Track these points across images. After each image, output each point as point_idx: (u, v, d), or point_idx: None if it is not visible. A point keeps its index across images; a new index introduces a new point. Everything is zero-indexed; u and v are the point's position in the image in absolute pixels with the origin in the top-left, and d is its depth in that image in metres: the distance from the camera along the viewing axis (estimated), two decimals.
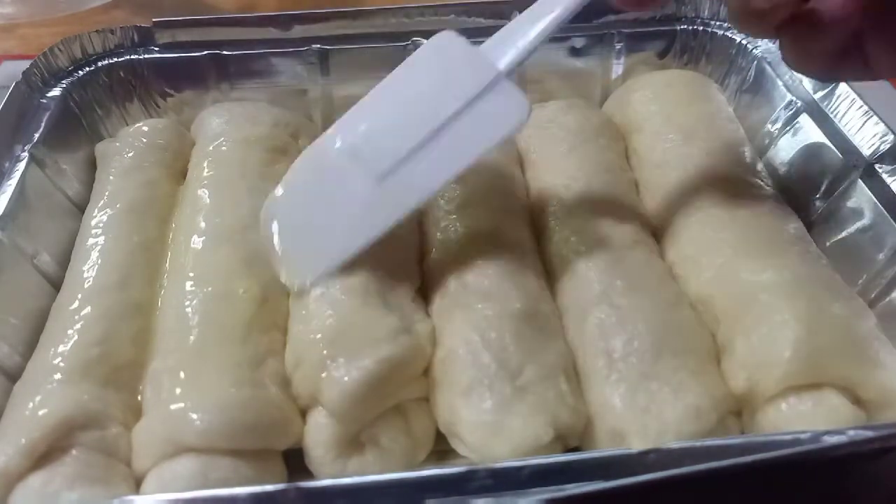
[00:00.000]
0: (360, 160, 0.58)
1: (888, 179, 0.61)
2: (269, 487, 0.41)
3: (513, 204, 0.66)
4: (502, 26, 0.78)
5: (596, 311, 0.56)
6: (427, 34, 0.77)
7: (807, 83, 0.71)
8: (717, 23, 0.81)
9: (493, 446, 0.49)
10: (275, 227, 0.60)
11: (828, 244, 0.62)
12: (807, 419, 0.49)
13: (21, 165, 0.65)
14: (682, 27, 0.81)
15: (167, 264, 0.62)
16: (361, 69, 0.78)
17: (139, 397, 0.54)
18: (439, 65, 0.60)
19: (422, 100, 0.58)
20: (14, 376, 0.55)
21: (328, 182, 0.59)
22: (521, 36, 0.58)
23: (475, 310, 0.55)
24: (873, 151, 0.63)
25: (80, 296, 0.57)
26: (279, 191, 0.61)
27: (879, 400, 0.50)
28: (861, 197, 0.61)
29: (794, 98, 0.71)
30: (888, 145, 0.62)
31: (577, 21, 0.79)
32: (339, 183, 0.58)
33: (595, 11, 0.80)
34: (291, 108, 0.78)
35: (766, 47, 0.77)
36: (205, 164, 0.68)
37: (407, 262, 0.61)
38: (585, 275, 0.59)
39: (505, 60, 0.57)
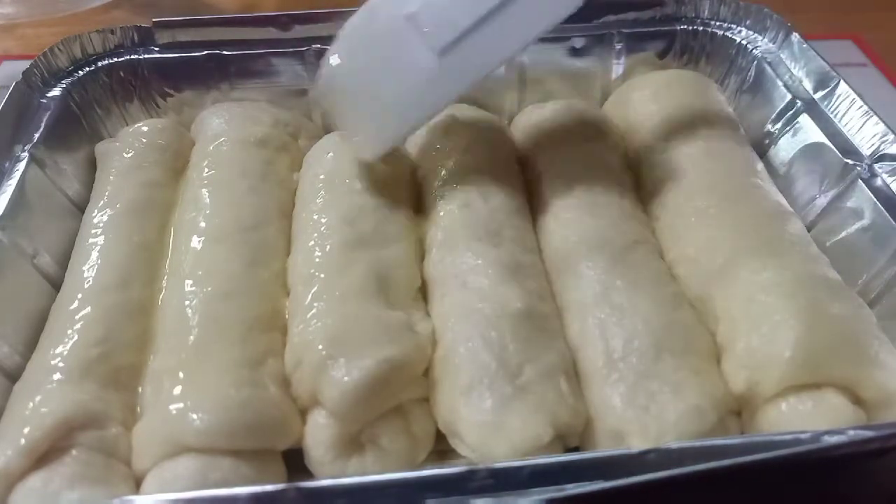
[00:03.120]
0: (421, 31, 0.58)
1: (888, 179, 0.61)
2: (268, 487, 0.41)
3: (512, 204, 0.66)
4: None
5: (596, 311, 0.56)
6: None
7: (807, 83, 0.71)
8: (717, 23, 0.81)
9: (493, 446, 0.49)
10: (336, 98, 0.61)
11: (828, 244, 0.62)
12: (807, 419, 0.49)
13: (21, 165, 0.65)
14: (682, 27, 0.81)
15: (167, 264, 0.62)
16: None
17: (139, 397, 0.54)
18: None
19: None
20: (14, 376, 0.55)
21: (388, 50, 0.59)
22: None
23: (475, 309, 0.55)
24: (873, 151, 0.63)
25: (80, 296, 0.57)
26: (335, 59, 0.62)
27: (879, 400, 0.50)
28: (861, 197, 0.61)
29: (794, 98, 0.71)
30: (888, 145, 0.62)
31: (577, 21, 0.79)
32: (400, 52, 0.59)
33: (595, 11, 0.80)
34: (291, 108, 0.78)
35: (765, 48, 0.77)
36: (205, 164, 0.68)
37: (407, 261, 0.61)
38: (585, 274, 0.59)
39: None
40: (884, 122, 0.64)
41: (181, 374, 0.52)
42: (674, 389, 0.51)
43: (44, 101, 0.73)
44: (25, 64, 0.74)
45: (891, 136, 0.62)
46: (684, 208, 0.64)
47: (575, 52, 0.80)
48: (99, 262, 0.60)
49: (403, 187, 0.68)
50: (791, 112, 0.71)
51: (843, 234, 0.62)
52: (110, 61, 0.77)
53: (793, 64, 0.74)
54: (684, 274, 0.61)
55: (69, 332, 0.55)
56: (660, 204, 0.67)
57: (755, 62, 0.77)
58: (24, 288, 0.60)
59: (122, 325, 0.56)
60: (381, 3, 0.62)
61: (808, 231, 0.63)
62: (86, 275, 0.59)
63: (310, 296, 0.56)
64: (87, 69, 0.76)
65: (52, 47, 0.75)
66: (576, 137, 0.71)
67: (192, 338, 0.54)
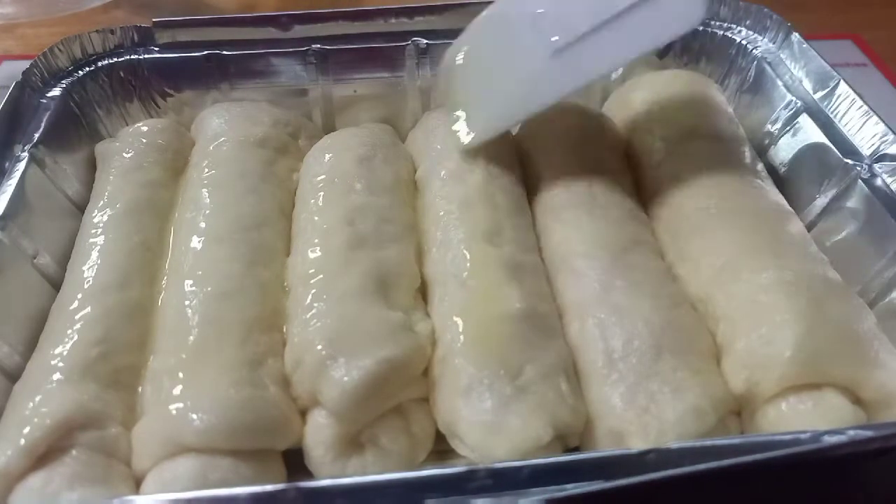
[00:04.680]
0: (540, 32, 0.62)
1: (888, 179, 0.61)
2: (268, 487, 0.41)
3: (512, 203, 0.66)
4: None
5: (596, 311, 0.56)
6: (426, 34, 0.78)
7: (806, 83, 0.71)
8: (717, 23, 0.80)
9: (493, 446, 0.49)
10: (453, 81, 0.68)
11: (828, 244, 0.62)
12: (807, 419, 0.49)
13: (21, 165, 0.65)
14: None
15: (167, 264, 0.62)
16: (361, 69, 0.78)
17: (139, 397, 0.54)
18: None
19: None
20: (14, 376, 0.55)
21: (507, 45, 0.64)
22: None
23: (475, 309, 0.55)
24: (873, 151, 0.63)
25: (79, 296, 0.57)
26: (458, 46, 0.69)
27: (879, 400, 0.51)
28: (861, 197, 0.61)
29: (793, 98, 0.71)
30: (888, 145, 0.62)
31: None
32: (517, 49, 0.63)
33: None
34: (291, 108, 0.78)
35: (765, 48, 0.77)
36: (205, 164, 0.68)
37: (407, 261, 0.61)
38: (585, 274, 0.59)
39: None
40: (884, 122, 0.64)
41: (181, 374, 0.52)
42: (674, 389, 0.51)
43: (44, 100, 0.72)
44: (25, 64, 0.73)
45: (891, 137, 0.62)
46: (684, 208, 0.64)
47: None
48: (99, 262, 0.60)
49: (403, 187, 0.68)
50: (791, 112, 0.71)
51: (843, 234, 0.62)
52: (110, 61, 0.77)
53: (793, 64, 0.74)
54: (684, 274, 0.61)
55: (69, 332, 0.55)
56: (659, 204, 0.67)
57: (755, 62, 0.77)
58: (24, 288, 0.60)
59: (122, 325, 0.56)
60: (512, 1, 0.67)
61: (809, 231, 0.63)
62: (86, 275, 0.59)
63: (310, 296, 0.56)
64: (87, 69, 0.76)
65: (52, 47, 0.75)
66: (576, 137, 0.71)
67: (191, 338, 0.54)
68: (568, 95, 0.62)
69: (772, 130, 0.72)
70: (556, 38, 0.61)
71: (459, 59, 0.69)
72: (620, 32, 0.60)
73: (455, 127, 0.67)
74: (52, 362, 0.53)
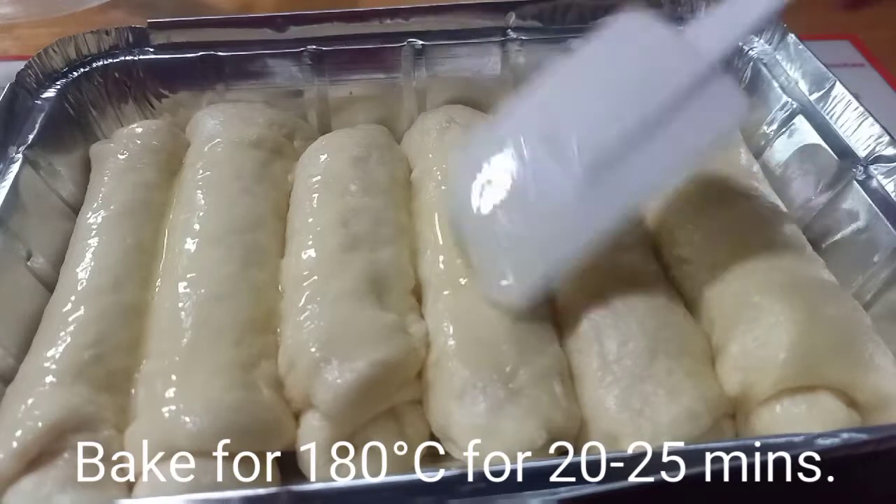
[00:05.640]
0: (560, 155, 0.51)
1: (884, 181, 0.61)
2: (260, 491, 0.41)
3: None
4: (497, 28, 0.79)
5: (590, 313, 0.56)
6: (422, 35, 0.78)
7: (802, 84, 0.71)
8: None
9: (487, 449, 0.49)
10: (469, 238, 0.55)
11: (823, 246, 0.62)
12: (801, 421, 0.49)
13: (15, 167, 0.64)
14: (679, 28, 0.80)
15: (161, 266, 0.62)
16: (357, 70, 0.78)
17: (132, 400, 0.54)
18: (638, 49, 0.55)
19: (624, 87, 0.53)
20: (7, 379, 0.55)
21: (522, 180, 0.53)
22: (731, 24, 0.54)
23: (469, 312, 0.55)
24: (869, 153, 0.63)
25: (73, 298, 0.57)
26: (455, 195, 0.57)
27: (874, 402, 0.50)
28: (856, 199, 0.61)
29: (789, 99, 0.71)
30: (884, 147, 0.62)
31: (575, 22, 0.79)
32: (537, 181, 0.52)
33: (592, 12, 0.79)
34: (286, 109, 0.78)
35: (762, 49, 0.77)
36: (199, 166, 0.68)
37: (401, 263, 0.61)
38: (580, 276, 0.59)
39: (715, 50, 0.53)
40: (879, 123, 0.64)
41: (174, 377, 0.52)
42: (668, 392, 0.51)
43: (38, 102, 0.72)
44: (21, 65, 0.73)
45: (886, 138, 0.62)
46: (680, 210, 0.64)
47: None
48: (92, 263, 0.60)
49: (398, 188, 0.68)
50: (787, 113, 0.71)
51: (839, 235, 0.62)
52: (105, 62, 0.77)
53: (789, 65, 0.74)
54: (679, 276, 0.61)
55: (62, 334, 0.55)
56: (656, 205, 0.66)
57: (751, 63, 0.77)
58: (17, 290, 0.60)
59: (116, 327, 0.56)
60: (502, 126, 0.57)
61: (804, 233, 0.63)
62: (79, 277, 0.59)
63: (303, 298, 0.56)
64: (82, 70, 0.76)
65: (47, 48, 0.75)
66: None
67: (185, 340, 0.54)
68: (611, 228, 0.51)
69: (768, 132, 0.72)
70: (584, 157, 0.51)
71: (464, 206, 0.57)
72: (659, 143, 0.51)
73: (488, 290, 0.55)
74: (45, 365, 0.53)
